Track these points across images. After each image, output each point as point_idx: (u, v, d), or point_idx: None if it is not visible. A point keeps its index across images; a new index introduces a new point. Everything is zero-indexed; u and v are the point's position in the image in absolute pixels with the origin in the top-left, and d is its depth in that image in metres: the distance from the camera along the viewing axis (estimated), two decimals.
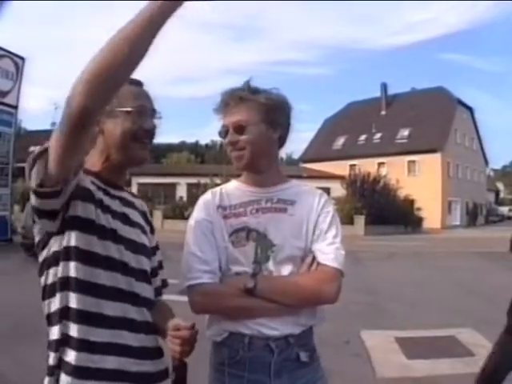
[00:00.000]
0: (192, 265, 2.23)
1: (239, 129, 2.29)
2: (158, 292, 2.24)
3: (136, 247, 2.03)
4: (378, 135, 59.05)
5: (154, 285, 2.17)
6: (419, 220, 43.64)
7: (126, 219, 2.03)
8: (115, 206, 2.00)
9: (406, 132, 56.50)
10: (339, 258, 2.26)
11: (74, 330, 1.80)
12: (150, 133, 2.04)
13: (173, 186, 44.35)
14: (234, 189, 2.43)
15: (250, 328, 2.19)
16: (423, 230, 43.02)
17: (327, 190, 42.20)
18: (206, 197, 2.41)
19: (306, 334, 2.30)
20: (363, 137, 59.82)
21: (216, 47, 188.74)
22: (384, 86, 65.20)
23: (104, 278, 1.86)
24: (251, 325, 2.19)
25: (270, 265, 2.25)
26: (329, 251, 2.26)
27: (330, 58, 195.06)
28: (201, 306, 2.23)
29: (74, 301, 1.81)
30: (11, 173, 20.30)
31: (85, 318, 1.81)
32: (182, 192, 43.21)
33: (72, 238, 1.82)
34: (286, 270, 2.26)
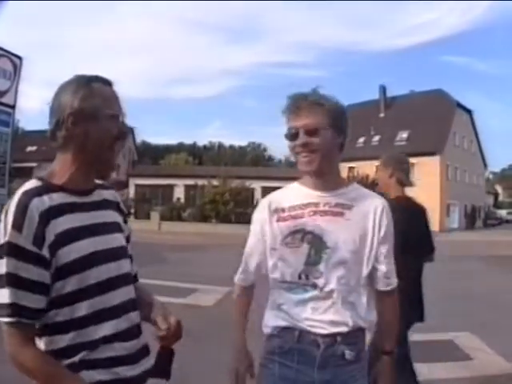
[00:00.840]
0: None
1: (312, 132, 2.35)
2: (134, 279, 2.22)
3: (115, 253, 2.01)
4: (377, 138, 59.14)
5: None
6: None
7: (100, 229, 1.98)
8: (87, 219, 1.94)
9: (404, 134, 56.59)
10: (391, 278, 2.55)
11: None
12: (126, 135, 2.06)
13: (170, 187, 44.38)
14: (295, 190, 2.54)
15: (301, 324, 2.38)
16: None
17: None
18: (262, 203, 2.61)
19: (356, 334, 2.41)
20: (362, 139, 59.76)
21: (214, 48, 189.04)
22: (383, 89, 65.30)
23: (84, 308, 1.85)
24: (303, 321, 2.38)
25: (322, 266, 2.37)
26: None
27: (329, 59, 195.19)
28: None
29: (59, 341, 1.83)
30: (8, 173, 20.25)
31: (75, 351, 1.83)
32: (179, 193, 43.28)
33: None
34: (337, 272, 2.38)
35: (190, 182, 38.90)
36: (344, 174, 46.16)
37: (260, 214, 2.56)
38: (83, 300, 1.84)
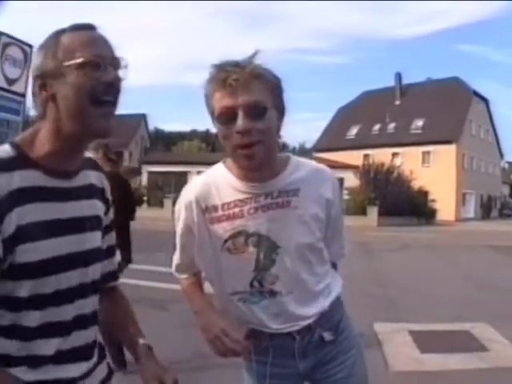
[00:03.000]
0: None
1: (257, 113, 1.83)
2: (112, 277, 1.91)
3: (84, 258, 1.67)
4: (392, 125, 58.81)
5: (104, 270, 1.80)
6: (433, 212, 43.25)
7: (74, 225, 1.63)
8: (60, 211, 1.59)
9: (420, 122, 56.24)
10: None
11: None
12: (114, 87, 1.55)
13: (184, 174, 44.37)
14: (225, 182, 2.06)
15: (268, 329, 2.12)
16: (437, 222, 42.76)
17: (340, 180, 41.93)
18: (188, 197, 2.12)
19: (327, 313, 2.16)
20: (377, 126, 59.57)
21: (230, 33, 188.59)
22: (399, 76, 64.76)
23: (33, 319, 1.54)
24: (270, 327, 2.12)
25: (276, 269, 2.04)
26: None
27: (345, 46, 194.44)
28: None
29: None
30: None
31: (16, 363, 1.54)
32: None
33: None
34: (296, 270, 2.07)
35: (204, 169, 38.14)
36: (359, 161, 46.00)
37: (186, 214, 2.11)
38: (34, 309, 1.54)
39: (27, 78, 14.51)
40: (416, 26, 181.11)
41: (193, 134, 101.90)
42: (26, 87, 15.18)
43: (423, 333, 7.14)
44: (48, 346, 1.57)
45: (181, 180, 44.98)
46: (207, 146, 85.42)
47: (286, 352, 2.14)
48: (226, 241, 2.02)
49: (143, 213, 34.50)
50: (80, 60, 1.49)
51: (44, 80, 1.53)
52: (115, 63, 1.56)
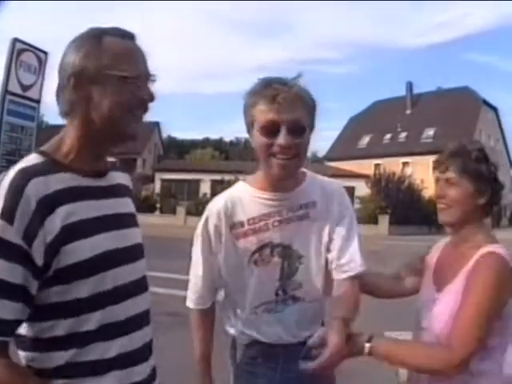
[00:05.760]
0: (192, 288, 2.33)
1: (297, 131, 1.99)
2: None
3: (133, 253, 1.70)
4: (403, 134, 58.57)
5: None
6: None
7: (116, 221, 1.65)
8: (101, 208, 1.60)
9: (431, 131, 55.96)
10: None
11: None
12: (147, 103, 1.63)
13: (196, 182, 44.45)
14: (249, 197, 2.18)
15: (287, 338, 2.21)
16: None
17: (352, 189, 42.02)
18: (214, 215, 2.20)
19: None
20: (388, 136, 59.33)
21: (243, 44, 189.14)
22: (410, 85, 64.58)
23: (93, 321, 1.52)
24: (288, 336, 2.20)
25: (299, 277, 2.17)
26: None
27: (356, 56, 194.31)
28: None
29: (54, 360, 1.50)
30: None
31: (74, 372, 1.51)
32: (205, 188, 43.28)
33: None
34: (318, 277, 2.21)
35: (217, 177, 38.82)
36: (371, 170, 45.93)
37: (214, 233, 2.19)
38: (94, 310, 1.51)
39: (42, 84, 14.63)
40: (426, 36, 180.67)
41: (205, 142, 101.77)
42: (40, 93, 15.31)
43: None
44: (109, 350, 1.54)
45: (193, 187, 45.14)
46: (220, 154, 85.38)
47: (293, 356, 2.12)
48: (253, 253, 2.14)
49: (156, 220, 34.64)
50: (124, 74, 1.54)
51: (80, 80, 1.53)
52: (150, 79, 1.62)
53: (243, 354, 2.27)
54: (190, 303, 2.34)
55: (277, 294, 2.18)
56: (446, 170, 2.15)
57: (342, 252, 2.17)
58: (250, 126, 2.07)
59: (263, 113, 1.97)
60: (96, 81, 1.53)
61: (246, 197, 2.18)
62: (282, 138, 1.95)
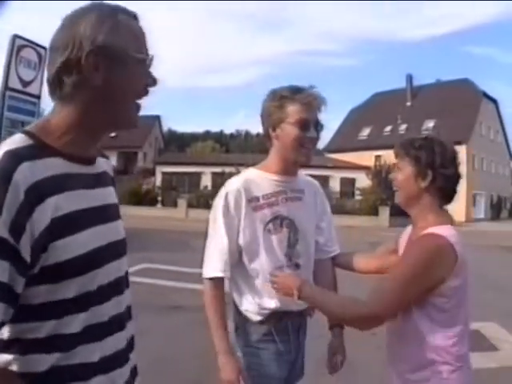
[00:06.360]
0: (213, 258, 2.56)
1: (319, 127, 2.55)
2: None
3: (119, 249, 1.59)
4: (404, 126, 58.43)
5: None
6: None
7: (104, 214, 1.54)
8: (92, 199, 1.49)
9: (431, 123, 55.86)
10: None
11: None
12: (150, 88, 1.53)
13: (197, 175, 44.41)
14: (262, 178, 2.62)
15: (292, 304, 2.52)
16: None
17: (352, 181, 42.08)
18: (234, 190, 2.55)
19: None
20: (388, 128, 59.19)
21: (243, 37, 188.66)
22: (410, 78, 64.53)
23: (78, 322, 1.40)
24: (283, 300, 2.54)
25: (300, 247, 2.63)
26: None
27: (357, 49, 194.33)
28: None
29: (36, 364, 1.36)
30: None
31: (58, 379, 1.39)
32: (206, 181, 43.29)
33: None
34: (310, 250, 2.71)
35: (217, 169, 38.80)
36: (371, 162, 45.89)
37: (234, 205, 2.52)
38: (78, 311, 1.39)
39: (42, 79, 14.65)
40: (426, 29, 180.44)
41: (206, 135, 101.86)
42: (40, 89, 15.33)
43: None
44: (92, 353, 1.43)
45: (194, 180, 45.02)
46: (220, 147, 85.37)
47: (296, 327, 2.68)
48: (267, 223, 2.56)
49: (157, 213, 34.66)
50: (145, 57, 1.46)
51: (100, 59, 1.38)
52: (151, 60, 1.51)
53: (255, 332, 2.59)
54: (214, 272, 2.53)
55: (286, 258, 2.58)
56: (396, 157, 2.50)
57: (330, 240, 2.84)
58: (277, 122, 2.52)
59: (298, 112, 2.47)
60: (120, 62, 1.40)
61: (260, 178, 2.62)
62: (312, 132, 2.51)
